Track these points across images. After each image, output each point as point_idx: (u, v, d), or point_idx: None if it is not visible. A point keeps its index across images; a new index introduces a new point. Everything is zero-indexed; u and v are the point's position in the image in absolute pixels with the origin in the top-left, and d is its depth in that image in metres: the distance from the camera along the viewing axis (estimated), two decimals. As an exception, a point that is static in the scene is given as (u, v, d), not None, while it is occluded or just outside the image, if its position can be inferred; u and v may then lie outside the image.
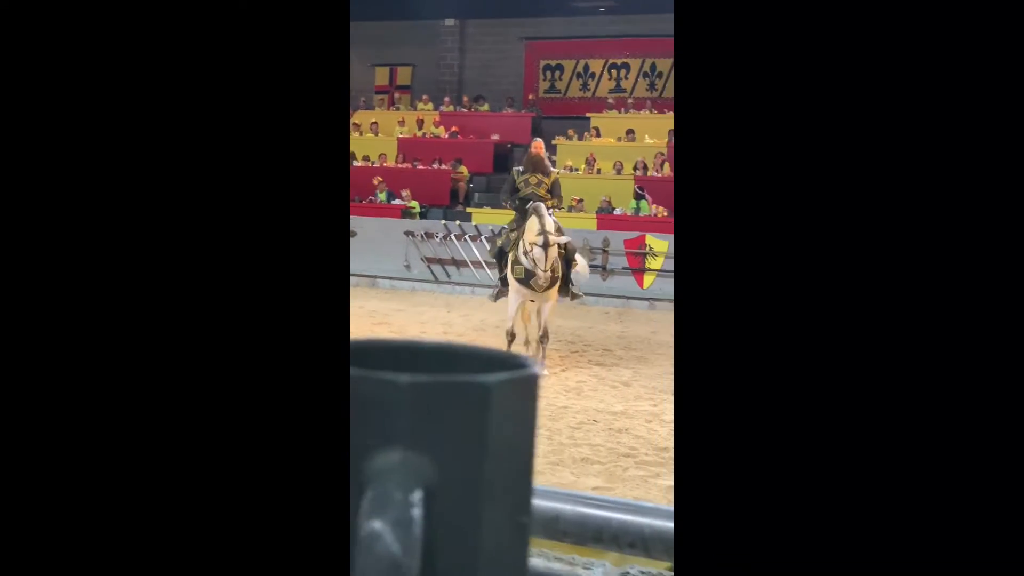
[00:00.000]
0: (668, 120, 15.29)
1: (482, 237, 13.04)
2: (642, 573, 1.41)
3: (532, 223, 7.80)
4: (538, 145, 8.60)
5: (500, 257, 8.36)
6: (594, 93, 16.90)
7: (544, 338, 7.98)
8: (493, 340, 9.29)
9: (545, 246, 7.63)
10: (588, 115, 16.02)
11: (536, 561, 1.73)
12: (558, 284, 7.95)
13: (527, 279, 7.82)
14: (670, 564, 1.42)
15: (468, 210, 14.49)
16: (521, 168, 8.48)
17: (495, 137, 16.06)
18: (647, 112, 15.82)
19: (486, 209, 14.33)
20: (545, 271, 7.65)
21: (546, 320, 8.02)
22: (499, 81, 17.02)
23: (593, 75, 17.00)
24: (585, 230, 14.05)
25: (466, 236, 13.18)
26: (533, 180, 8.24)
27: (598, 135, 15.61)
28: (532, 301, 8.20)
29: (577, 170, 15.18)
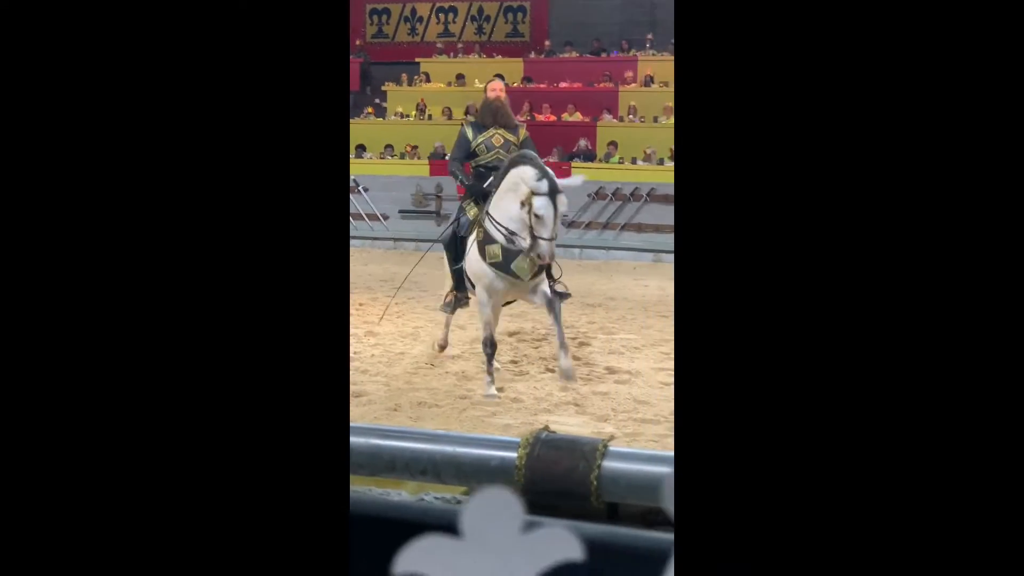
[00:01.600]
0: (497, 64, 15.30)
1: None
2: (437, 499, 1.44)
3: (522, 171, 5.08)
4: (497, 87, 5.75)
5: (454, 247, 5.65)
6: (423, 38, 16.72)
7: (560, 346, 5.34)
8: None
9: (553, 193, 4.93)
10: (417, 60, 15.85)
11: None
12: (543, 272, 5.32)
13: (507, 263, 5.21)
14: (465, 489, 1.46)
15: (298, 160, 14.19)
16: (476, 121, 5.74)
17: (323, 84, 15.72)
18: (476, 56, 15.79)
19: (317, 159, 14.05)
20: (553, 238, 4.97)
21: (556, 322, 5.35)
22: (325, 27, 16.61)
23: (421, 19, 16.81)
24: (418, 176, 14.02)
25: (297, 187, 12.89)
26: (497, 141, 5.58)
27: (428, 80, 15.49)
28: (509, 302, 5.70)
29: (408, 116, 15.05)
